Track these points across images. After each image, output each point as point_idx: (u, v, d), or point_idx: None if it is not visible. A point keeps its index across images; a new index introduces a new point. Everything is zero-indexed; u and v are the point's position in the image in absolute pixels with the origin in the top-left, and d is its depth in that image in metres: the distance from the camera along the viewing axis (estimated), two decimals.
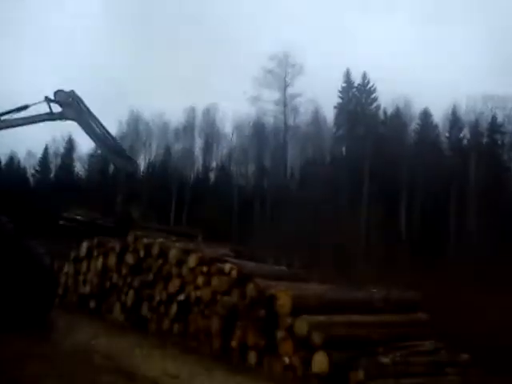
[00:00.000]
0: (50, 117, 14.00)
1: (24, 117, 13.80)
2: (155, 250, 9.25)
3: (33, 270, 7.63)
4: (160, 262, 9.04)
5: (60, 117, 14.04)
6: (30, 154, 49.29)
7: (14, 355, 5.74)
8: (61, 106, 13.87)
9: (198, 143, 47.77)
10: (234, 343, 7.08)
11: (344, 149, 42.16)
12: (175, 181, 44.48)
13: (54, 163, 49.57)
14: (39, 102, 13.84)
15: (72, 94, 14.02)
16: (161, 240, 9.70)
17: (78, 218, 13.18)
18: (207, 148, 47.72)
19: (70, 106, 13.76)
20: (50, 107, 13.79)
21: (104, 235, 11.01)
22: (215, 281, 7.97)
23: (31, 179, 49.39)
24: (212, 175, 48.70)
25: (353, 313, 7.29)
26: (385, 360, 6.22)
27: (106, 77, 51.85)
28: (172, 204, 42.81)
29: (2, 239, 8.19)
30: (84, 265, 10.62)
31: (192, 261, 8.49)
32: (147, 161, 48.39)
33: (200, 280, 8.19)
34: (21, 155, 49.45)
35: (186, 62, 61.92)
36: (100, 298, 9.91)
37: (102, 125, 14.25)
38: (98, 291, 9.96)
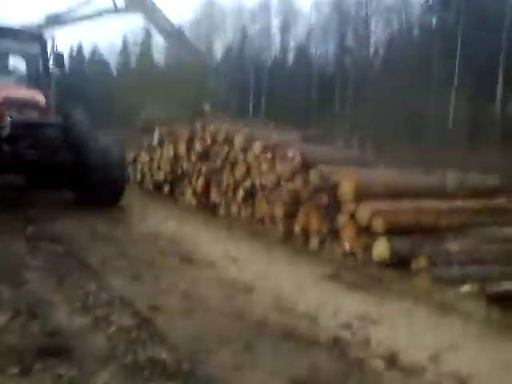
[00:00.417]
0: (115, 11, 13.78)
1: (91, 11, 13.69)
2: (221, 137, 9.25)
3: (103, 157, 7.97)
4: (226, 148, 9.06)
5: (125, 11, 13.79)
6: (111, 45, 50.09)
7: (84, 237, 6.22)
8: None
9: (275, 23, 45.45)
10: (296, 228, 7.12)
11: (434, 19, 37.74)
12: (253, 65, 43.31)
13: (134, 53, 50.08)
14: None
15: None
16: (226, 126, 9.63)
17: (153, 117, 13.33)
18: (284, 28, 45.28)
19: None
20: (114, 2, 13.51)
21: None
22: (279, 167, 7.87)
23: (114, 70, 50.75)
24: (290, 57, 46.76)
25: (423, 199, 6.95)
26: (452, 247, 5.95)
27: None
28: (250, 90, 42.26)
29: (77, 130, 8.64)
30: (157, 153, 10.99)
31: (256, 147, 8.38)
32: (223, 46, 47.39)
33: (264, 166, 8.12)
34: (103, 48, 50.51)
35: None
36: (173, 184, 10.34)
37: (166, 17, 13.88)
38: (171, 177, 10.36)
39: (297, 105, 34.17)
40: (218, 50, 47.05)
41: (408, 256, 5.75)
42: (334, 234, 6.54)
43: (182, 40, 14.61)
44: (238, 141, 8.80)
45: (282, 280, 5.21)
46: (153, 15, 13.77)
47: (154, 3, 13.70)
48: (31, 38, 9.18)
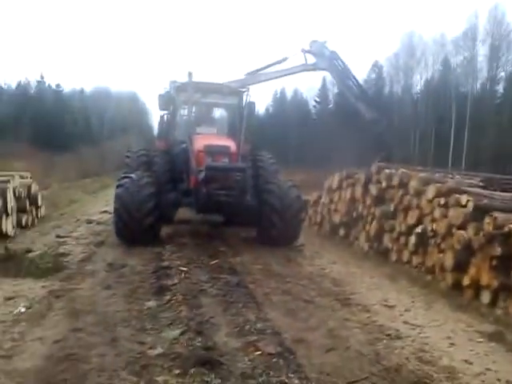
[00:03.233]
0: (305, 68, 15.18)
1: (282, 69, 15.31)
2: (395, 181, 9.34)
3: (282, 199, 8.88)
4: (400, 192, 9.11)
5: (314, 67, 15.10)
6: (310, 87, 53.70)
7: (257, 272, 7.05)
8: (315, 56, 14.84)
9: (482, 51, 42.42)
10: (466, 280, 6.77)
11: None
12: (455, 98, 41.10)
13: (332, 91, 52.37)
14: (296, 54, 15.15)
15: (325, 45, 14.87)
16: (402, 170, 9.67)
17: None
18: (493, 55, 41.84)
19: (323, 56, 14.63)
20: (305, 58, 14.93)
21: None
22: (452, 213, 7.60)
23: (312, 110, 53.92)
24: (499, 87, 42.90)
25: None
26: None
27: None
28: (452, 125, 40.10)
29: (261, 173, 9.89)
30: (336, 195, 11.54)
31: (430, 192, 8.25)
32: (423, 78, 46.41)
33: (437, 212, 7.94)
34: (303, 89, 54.45)
35: None
36: (348, 227, 10.70)
37: (353, 76, 14.74)
38: (347, 220, 10.75)
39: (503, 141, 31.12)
40: (418, 82, 46.36)
41: None
42: (508, 289, 6.08)
43: (365, 97, 15.18)
44: (412, 185, 8.79)
45: (434, 332, 5.13)
46: (339, 73, 14.76)
47: (342, 60, 14.66)
48: (231, 92, 10.70)
